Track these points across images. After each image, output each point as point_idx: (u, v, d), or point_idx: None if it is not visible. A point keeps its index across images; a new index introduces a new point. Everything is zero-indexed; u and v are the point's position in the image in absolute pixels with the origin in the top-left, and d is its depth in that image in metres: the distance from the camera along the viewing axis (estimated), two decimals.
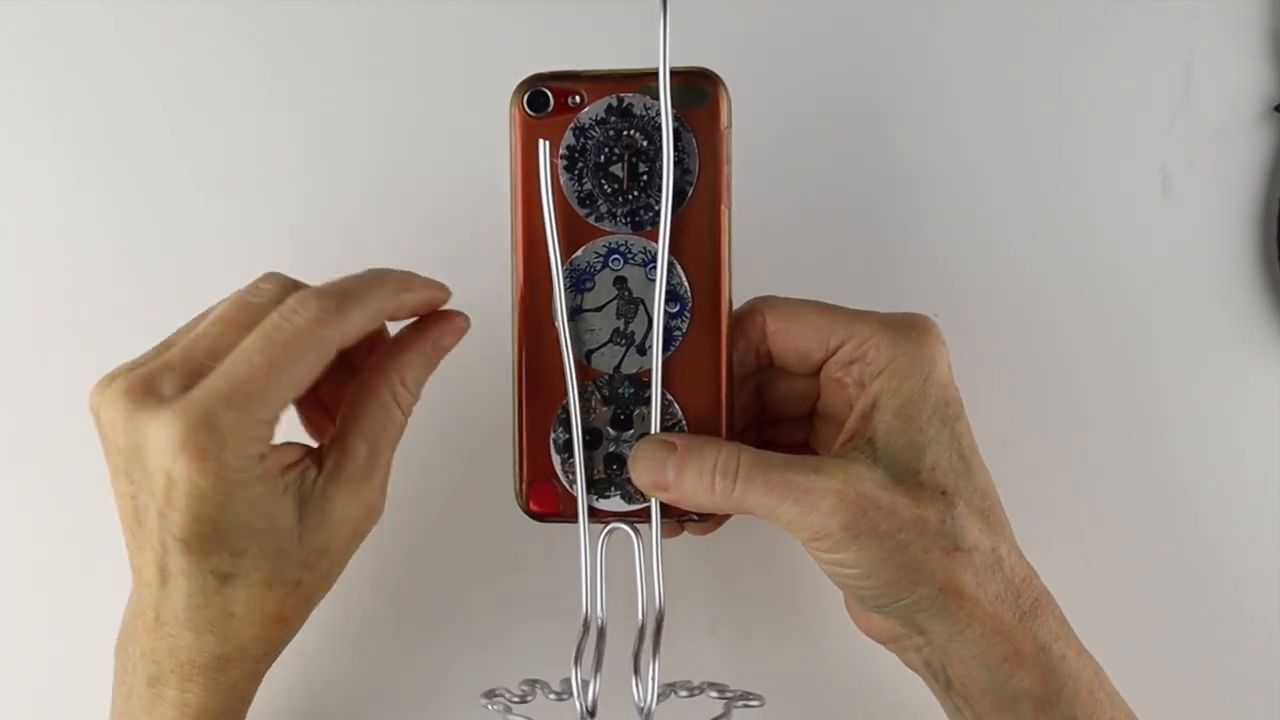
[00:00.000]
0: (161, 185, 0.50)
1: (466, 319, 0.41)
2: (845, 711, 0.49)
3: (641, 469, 0.39)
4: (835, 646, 0.49)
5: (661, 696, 0.40)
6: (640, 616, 0.40)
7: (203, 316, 0.39)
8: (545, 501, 0.41)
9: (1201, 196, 0.51)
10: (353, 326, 0.37)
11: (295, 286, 0.38)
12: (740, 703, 0.42)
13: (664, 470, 0.38)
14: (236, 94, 0.50)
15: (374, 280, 0.38)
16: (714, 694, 0.42)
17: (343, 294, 0.37)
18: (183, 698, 0.38)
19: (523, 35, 0.50)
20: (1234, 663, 0.50)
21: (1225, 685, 0.50)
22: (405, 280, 0.39)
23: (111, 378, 0.37)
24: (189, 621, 0.37)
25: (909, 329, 0.38)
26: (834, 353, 0.39)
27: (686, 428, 0.39)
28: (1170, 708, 0.49)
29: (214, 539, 0.35)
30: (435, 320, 0.40)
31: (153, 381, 0.35)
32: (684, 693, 0.42)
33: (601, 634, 0.41)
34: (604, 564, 0.41)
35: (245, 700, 0.41)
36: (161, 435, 0.34)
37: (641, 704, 0.40)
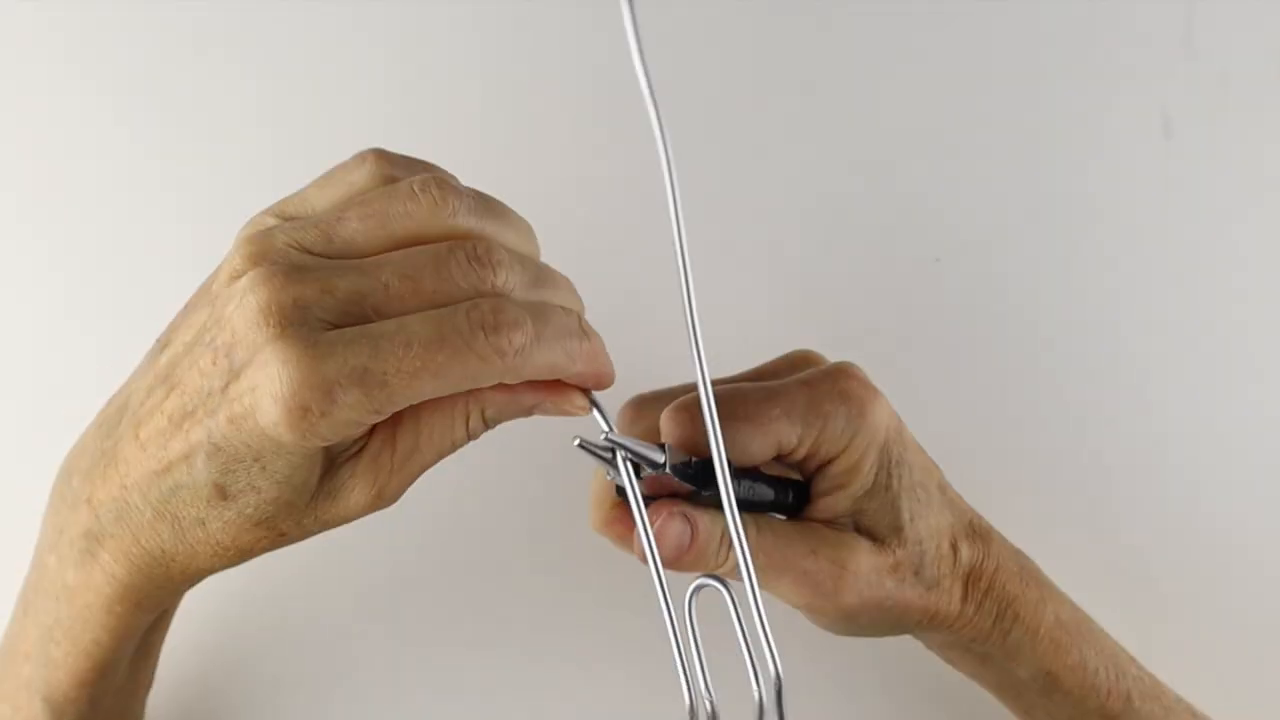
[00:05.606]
0: (161, 185, 0.51)
1: (590, 406, 0.35)
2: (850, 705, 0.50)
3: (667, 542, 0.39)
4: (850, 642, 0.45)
5: None
6: (755, 691, 0.34)
7: (382, 215, 0.33)
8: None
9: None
10: (534, 369, 0.33)
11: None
12: None
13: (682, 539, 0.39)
14: (236, 95, 0.51)
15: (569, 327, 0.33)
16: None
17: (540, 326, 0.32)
18: (114, 569, 0.36)
19: (510, 36, 0.52)
20: (1234, 662, 0.50)
21: (1225, 685, 0.50)
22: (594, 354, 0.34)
23: (276, 254, 0.32)
24: (160, 503, 0.34)
25: (841, 403, 0.39)
26: (789, 455, 0.40)
27: None
28: None
29: (245, 470, 0.33)
30: (558, 387, 0.35)
31: (308, 303, 0.31)
32: None
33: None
34: (696, 630, 0.35)
35: (175, 597, 0.40)
36: (278, 363, 0.30)
37: None
